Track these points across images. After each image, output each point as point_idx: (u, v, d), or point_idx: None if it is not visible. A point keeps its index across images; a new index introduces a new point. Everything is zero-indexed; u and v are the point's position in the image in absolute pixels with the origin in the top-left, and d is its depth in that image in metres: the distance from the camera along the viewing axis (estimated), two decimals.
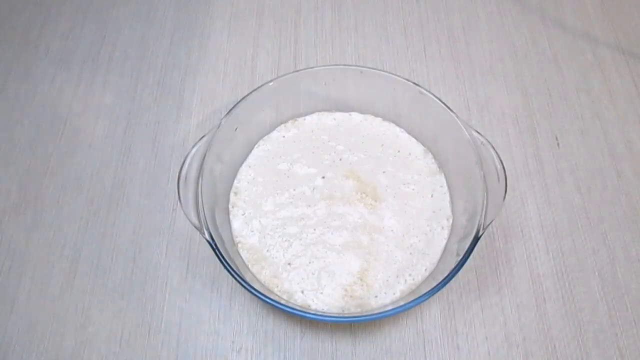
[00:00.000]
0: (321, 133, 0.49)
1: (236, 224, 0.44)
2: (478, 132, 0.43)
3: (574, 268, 0.45)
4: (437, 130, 0.46)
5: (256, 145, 0.48)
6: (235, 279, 0.37)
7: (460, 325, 0.43)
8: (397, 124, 0.49)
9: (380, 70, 0.47)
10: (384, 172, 0.47)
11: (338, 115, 0.50)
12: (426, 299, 0.37)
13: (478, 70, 0.56)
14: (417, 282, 0.42)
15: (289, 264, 0.42)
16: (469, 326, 0.43)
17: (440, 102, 0.45)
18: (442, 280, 0.37)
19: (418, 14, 0.61)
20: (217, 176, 0.44)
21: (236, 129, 0.46)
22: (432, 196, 0.46)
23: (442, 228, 0.44)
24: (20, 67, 0.56)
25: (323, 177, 0.46)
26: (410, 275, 0.42)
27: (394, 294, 0.41)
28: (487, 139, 0.42)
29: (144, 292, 0.44)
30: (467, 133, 0.43)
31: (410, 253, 0.43)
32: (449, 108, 0.44)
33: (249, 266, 0.42)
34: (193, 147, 0.42)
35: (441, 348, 0.42)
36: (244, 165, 0.47)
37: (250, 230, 0.44)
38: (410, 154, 0.48)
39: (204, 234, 0.39)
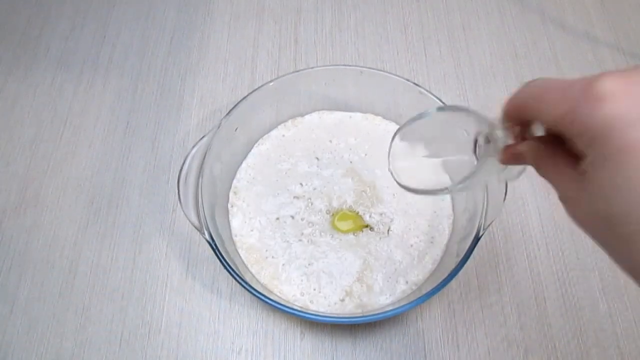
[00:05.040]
0: (321, 132, 0.49)
1: (235, 223, 0.44)
2: None
3: (574, 267, 0.45)
4: None
5: (256, 145, 0.48)
6: (236, 279, 0.37)
7: (460, 325, 0.43)
8: (398, 124, 0.49)
9: (380, 70, 0.47)
10: (384, 171, 0.47)
11: (338, 114, 0.50)
12: (426, 300, 0.37)
13: (478, 70, 0.56)
14: (417, 282, 0.42)
15: (289, 264, 0.42)
16: (469, 325, 0.43)
17: (440, 102, 0.45)
18: (442, 281, 0.37)
19: (418, 14, 0.61)
20: (217, 176, 0.44)
21: (236, 129, 0.46)
22: (432, 196, 0.45)
23: (443, 228, 0.44)
24: (20, 67, 0.56)
25: (323, 176, 0.46)
26: (410, 275, 0.42)
27: (394, 294, 0.41)
28: None
29: (144, 292, 0.44)
30: None
31: (411, 253, 0.43)
32: None
33: (249, 266, 0.42)
34: (193, 147, 0.42)
35: (441, 348, 0.42)
36: (243, 164, 0.47)
37: (249, 229, 0.44)
38: None
39: (204, 234, 0.39)
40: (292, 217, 0.44)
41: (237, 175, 0.47)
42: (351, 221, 0.44)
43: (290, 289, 0.41)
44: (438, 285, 0.37)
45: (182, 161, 0.41)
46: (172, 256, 0.46)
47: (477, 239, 0.38)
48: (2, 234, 0.47)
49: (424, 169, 0.32)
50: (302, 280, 0.42)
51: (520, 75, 0.56)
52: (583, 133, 0.21)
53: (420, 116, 0.31)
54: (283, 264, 0.42)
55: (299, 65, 0.57)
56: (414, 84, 0.46)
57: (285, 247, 0.43)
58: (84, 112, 0.53)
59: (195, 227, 0.39)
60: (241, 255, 0.43)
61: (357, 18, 0.60)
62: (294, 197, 0.45)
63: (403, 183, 0.33)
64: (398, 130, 0.33)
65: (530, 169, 0.45)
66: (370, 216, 0.44)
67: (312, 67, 0.48)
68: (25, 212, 0.48)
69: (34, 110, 0.54)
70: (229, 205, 0.45)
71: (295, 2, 0.61)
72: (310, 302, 0.41)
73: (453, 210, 0.45)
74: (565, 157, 0.23)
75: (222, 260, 0.38)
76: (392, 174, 0.32)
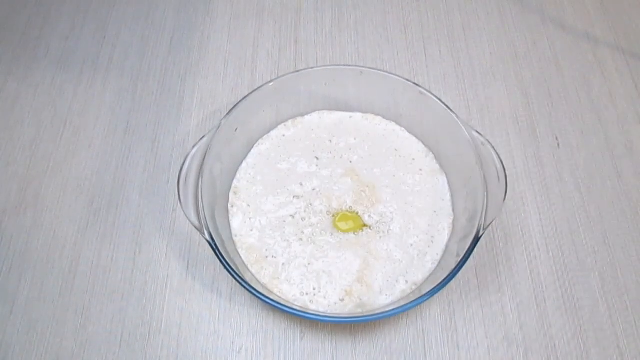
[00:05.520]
0: (321, 132, 0.49)
1: (235, 223, 0.44)
2: (478, 132, 0.43)
3: (574, 268, 0.45)
4: (437, 131, 0.46)
5: (256, 144, 0.48)
6: (236, 279, 0.37)
7: (460, 324, 0.43)
8: (398, 124, 0.49)
9: (380, 70, 0.47)
10: (384, 171, 0.47)
11: (338, 114, 0.50)
12: (426, 299, 0.37)
13: (478, 70, 0.56)
14: (417, 282, 0.42)
15: (289, 264, 0.42)
16: (469, 325, 0.43)
17: (440, 102, 0.45)
18: (442, 281, 0.37)
19: (418, 13, 0.61)
20: (217, 176, 0.44)
21: (236, 129, 0.46)
22: (432, 196, 0.46)
23: (443, 228, 0.44)
24: (20, 67, 0.56)
25: (323, 176, 0.46)
26: (410, 275, 0.42)
27: (394, 294, 0.41)
28: (487, 139, 0.42)
29: (144, 292, 0.44)
30: (467, 133, 0.43)
31: (410, 253, 0.43)
32: (449, 108, 0.44)
33: (249, 266, 0.42)
34: (193, 147, 0.42)
35: (441, 347, 0.42)
36: (243, 164, 0.47)
37: (249, 229, 0.44)
38: (411, 153, 0.48)
39: (204, 234, 0.39)
40: (292, 216, 0.44)
41: (237, 175, 0.47)
42: (351, 221, 0.44)
43: (290, 289, 0.41)
44: (438, 285, 0.37)
45: (182, 161, 0.42)
46: (172, 256, 0.46)
47: (477, 238, 0.38)
48: (2, 234, 0.47)
49: None
50: (302, 280, 0.42)
51: (520, 75, 0.56)
52: None
53: None
54: (283, 264, 0.42)
55: (299, 65, 0.57)
56: (414, 84, 0.46)
57: (285, 247, 0.43)
58: (84, 112, 0.53)
59: (195, 227, 0.39)
60: (241, 255, 0.43)
61: (357, 18, 0.60)
62: (294, 196, 0.45)
63: None
64: None
65: (527, 163, 0.45)
66: (369, 216, 0.44)
67: (312, 67, 0.48)
68: (25, 212, 0.48)
69: (34, 110, 0.54)
70: (229, 205, 0.45)
71: (295, 2, 0.61)
72: (310, 301, 0.41)
73: (453, 209, 0.45)
74: None
75: (222, 260, 0.38)
76: None
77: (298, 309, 0.38)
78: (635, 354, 0.42)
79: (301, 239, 0.43)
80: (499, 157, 0.41)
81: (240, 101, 0.45)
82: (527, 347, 0.42)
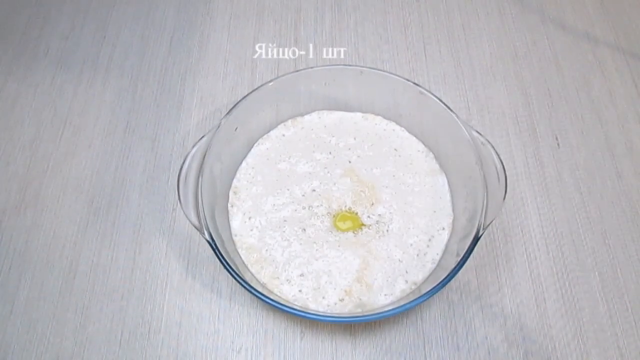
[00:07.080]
0: (321, 131, 0.49)
1: (235, 223, 0.44)
2: (478, 132, 0.43)
3: (574, 268, 0.45)
4: (437, 130, 0.46)
5: (256, 144, 0.48)
6: (235, 279, 0.37)
7: (460, 325, 0.43)
8: (398, 124, 0.49)
9: (380, 70, 0.47)
10: (383, 171, 0.47)
11: (338, 113, 0.50)
12: (426, 299, 0.37)
13: (478, 70, 0.56)
14: (417, 282, 0.42)
15: (289, 263, 0.42)
16: (469, 326, 0.43)
17: (440, 102, 0.45)
18: (442, 281, 0.37)
19: (418, 14, 0.61)
20: (217, 176, 0.44)
21: (236, 129, 0.46)
22: (432, 196, 0.46)
23: (443, 228, 0.44)
24: (20, 67, 0.56)
25: (322, 176, 0.46)
26: (410, 275, 0.42)
27: (393, 294, 0.41)
28: (487, 139, 0.42)
29: (144, 291, 0.44)
30: (467, 133, 0.43)
31: (410, 252, 0.43)
32: (449, 108, 0.44)
33: (249, 266, 0.42)
34: (193, 147, 0.42)
35: (441, 348, 0.42)
36: (243, 164, 0.47)
37: (249, 229, 0.44)
38: (411, 153, 0.48)
39: (204, 234, 0.39)
40: (292, 216, 0.44)
41: (237, 175, 0.47)
42: (350, 221, 0.44)
43: (290, 289, 0.41)
44: (438, 284, 0.37)
45: (182, 161, 0.42)
46: (172, 256, 0.46)
47: (477, 238, 0.38)
48: (2, 234, 0.47)
49: None
50: (301, 280, 0.42)
51: (520, 75, 0.56)
52: None
53: None
54: (283, 264, 0.42)
55: (299, 65, 0.57)
56: (414, 83, 0.46)
57: (285, 247, 0.43)
58: (84, 112, 0.53)
59: (195, 227, 0.39)
60: (241, 255, 0.43)
61: (357, 18, 0.60)
62: (294, 196, 0.45)
63: None
64: None
65: (527, 163, 0.45)
66: (368, 217, 0.44)
67: (312, 67, 0.48)
68: (25, 212, 0.48)
69: (34, 110, 0.54)
70: (229, 205, 0.45)
71: (295, 2, 0.61)
72: (310, 301, 0.41)
73: (453, 209, 0.45)
74: None
75: (222, 260, 0.38)
76: None
77: (298, 308, 0.38)
78: (635, 354, 0.42)
79: (301, 239, 0.43)
80: (499, 157, 0.41)
81: (240, 101, 0.45)
82: (527, 347, 0.42)
